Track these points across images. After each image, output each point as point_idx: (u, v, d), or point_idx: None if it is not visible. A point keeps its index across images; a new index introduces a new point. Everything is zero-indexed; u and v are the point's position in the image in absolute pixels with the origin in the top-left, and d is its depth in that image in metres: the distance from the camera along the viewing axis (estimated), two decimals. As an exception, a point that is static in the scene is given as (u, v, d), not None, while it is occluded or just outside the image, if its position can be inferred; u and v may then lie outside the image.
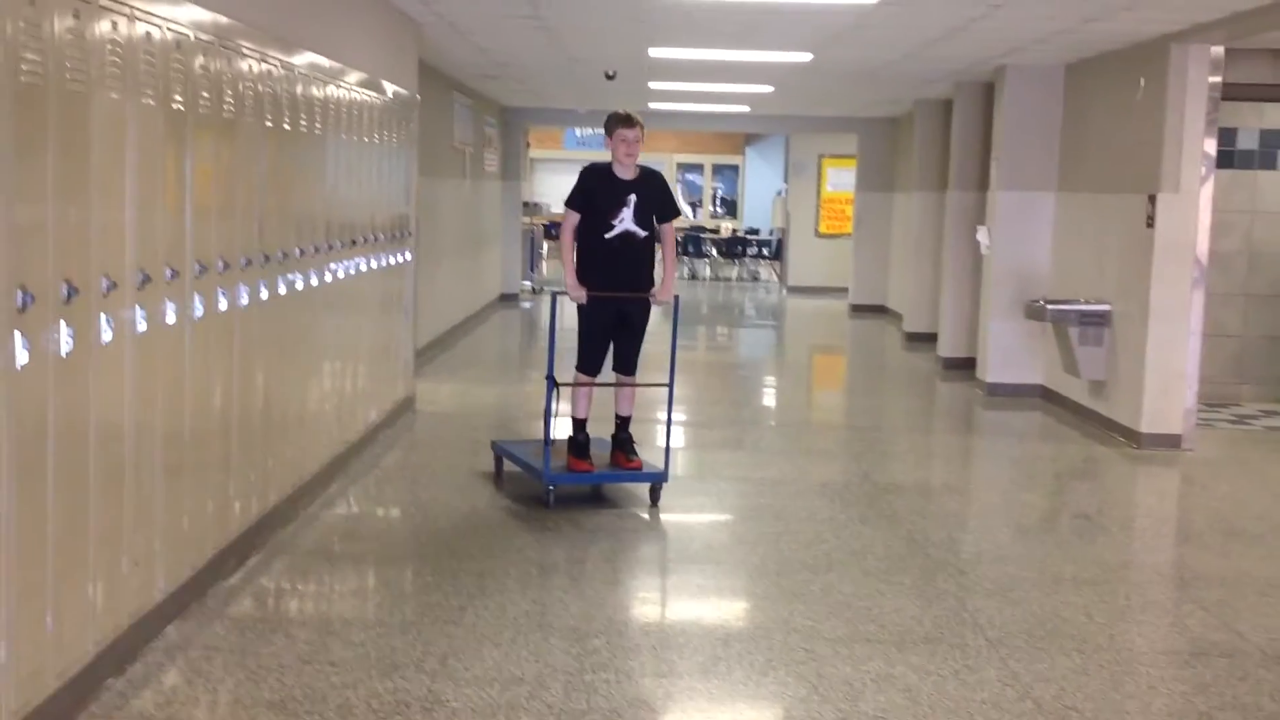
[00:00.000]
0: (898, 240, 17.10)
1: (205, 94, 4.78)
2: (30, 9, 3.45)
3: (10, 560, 3.47)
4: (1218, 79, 8.54)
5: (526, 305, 18.07)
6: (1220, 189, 9.37)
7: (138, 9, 4.13)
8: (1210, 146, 8.55)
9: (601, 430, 6.97)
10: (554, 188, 26.79)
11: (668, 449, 6.84)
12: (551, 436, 6.57)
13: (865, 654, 4.63)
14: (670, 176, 25.49)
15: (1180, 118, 8.52)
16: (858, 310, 18.07)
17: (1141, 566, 6.14)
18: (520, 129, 18.80)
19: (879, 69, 11.44)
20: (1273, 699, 4.38)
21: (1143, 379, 8.76)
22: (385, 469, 7.53)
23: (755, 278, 24.24)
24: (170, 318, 4.47)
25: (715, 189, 27.84)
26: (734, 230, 25.27)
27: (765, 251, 23.83)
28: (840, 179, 21.29)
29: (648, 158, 6.93)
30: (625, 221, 6.54)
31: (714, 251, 24.15)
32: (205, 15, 4.78)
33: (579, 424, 6.81)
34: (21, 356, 3.45)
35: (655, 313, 6.89)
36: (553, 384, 6.64)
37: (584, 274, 6.64)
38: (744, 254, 23.97)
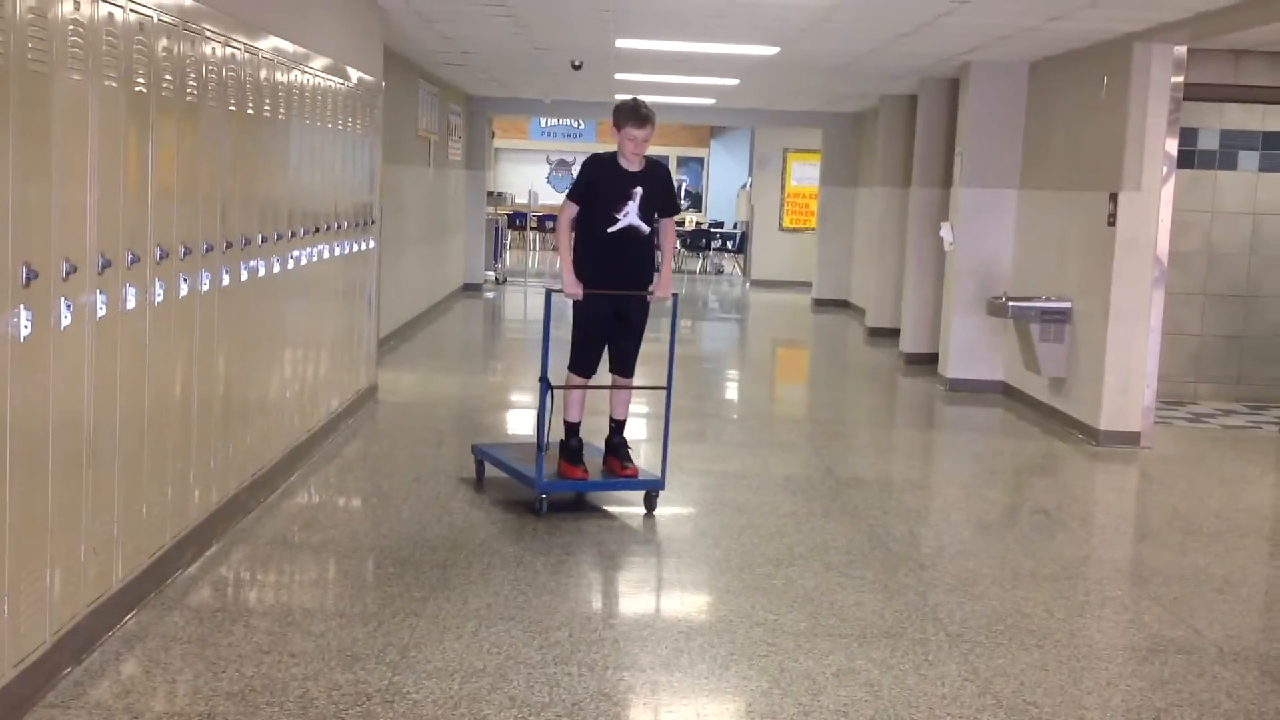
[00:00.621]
0: (861, 235, 17.16)
1: (168, 77, 4.72)
2: (-9, -12, 3.39)
3: (-35, 548, 3.43)
4: (1180, 79, 8.61)
5: (490, 295, 18.01)
6: (1181, 189, 9.46)
7: (101, -10, 4.08)
8: (1172, 146, 8.62)
9: (599, 430, 6.73)
10: (518, 177, 26.86)
11: (665, 454, 6.54)
12: (545, 441, 6.25)
13: (827, 648, 4.64)
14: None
15: (1143, 117, 8.59)
16: (821, 305, 18.14)
17: (1100, 563, 6.19)
18: (485, 118, 18.77)
19: (845, 64, 11.47)
20: (1229, 695, 4.43)
21: (1102, 376, 8.84)
22: (347, 458, 7.48)
23: (719, 271, 24.27)
24: (131, 303, 4.42)
25: (680, 181, 27.83)
26: (698, 223, 25.28)
27: (729, 245, 23.86)
28: (805, 173, 21.36)
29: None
30: (630, 216, 6.21)
31: (678, 244, 24.16)
32: (169, -3, 4.73)
33: (571, 428, 6.50)
34: (-21, 341, 3.41)
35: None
36: (547, 386, 6.27)
37: (581, 269, 6.29)
38: (708, 247, 23.98)
